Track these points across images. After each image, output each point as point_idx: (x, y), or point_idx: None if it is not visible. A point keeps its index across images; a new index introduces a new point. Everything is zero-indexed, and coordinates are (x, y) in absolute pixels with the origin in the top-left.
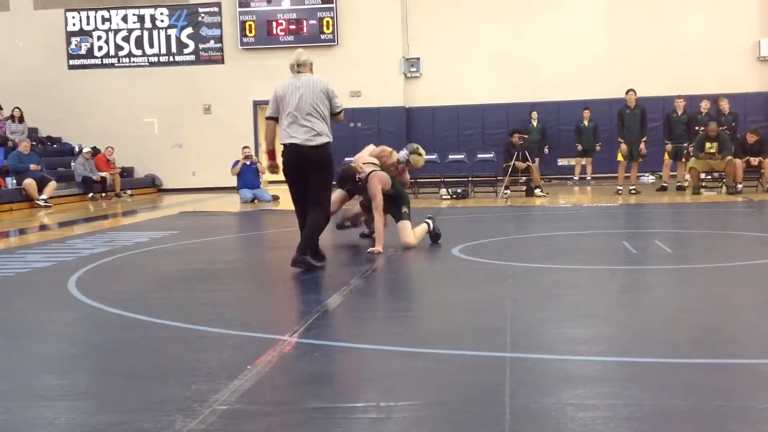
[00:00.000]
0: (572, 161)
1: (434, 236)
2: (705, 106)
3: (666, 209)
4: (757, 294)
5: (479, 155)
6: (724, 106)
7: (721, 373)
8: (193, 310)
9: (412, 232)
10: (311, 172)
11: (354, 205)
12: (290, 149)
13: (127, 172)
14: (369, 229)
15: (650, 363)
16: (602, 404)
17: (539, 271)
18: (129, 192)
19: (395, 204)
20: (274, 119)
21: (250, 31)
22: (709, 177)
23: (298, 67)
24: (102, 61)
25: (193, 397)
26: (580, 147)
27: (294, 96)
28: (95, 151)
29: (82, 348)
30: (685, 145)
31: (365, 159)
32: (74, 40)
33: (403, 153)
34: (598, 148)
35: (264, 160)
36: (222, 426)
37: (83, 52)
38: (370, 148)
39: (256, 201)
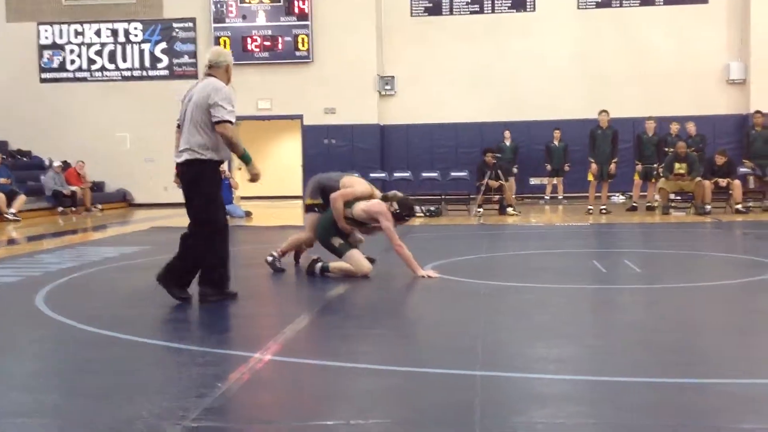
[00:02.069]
0: (544, 180)
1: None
2: (675, 128)
3: (636, 229)
4: (724, 314)
5: (452, 173)
6: (691, 128)
7: (688, 392)
8: (163, 326)
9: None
10: (186, 191)
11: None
12: None
13: (97, 187)
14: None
15: (619, 382)
16: (571, 423)
17: (511, 290)
18: (99, 206)
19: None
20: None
21: (225, 47)
22: (679, 197)
23: (208, 69)
24: (74, 74)
25: (162, 415)
26: (549, 167)
27: (184, 104)
28: (66, 165)
29: (49, 365)
30: (655, 165)
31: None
32: (46, 53)
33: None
34: (567, 168)
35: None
36: None
37: (55, 65)
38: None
39: (228, 217)
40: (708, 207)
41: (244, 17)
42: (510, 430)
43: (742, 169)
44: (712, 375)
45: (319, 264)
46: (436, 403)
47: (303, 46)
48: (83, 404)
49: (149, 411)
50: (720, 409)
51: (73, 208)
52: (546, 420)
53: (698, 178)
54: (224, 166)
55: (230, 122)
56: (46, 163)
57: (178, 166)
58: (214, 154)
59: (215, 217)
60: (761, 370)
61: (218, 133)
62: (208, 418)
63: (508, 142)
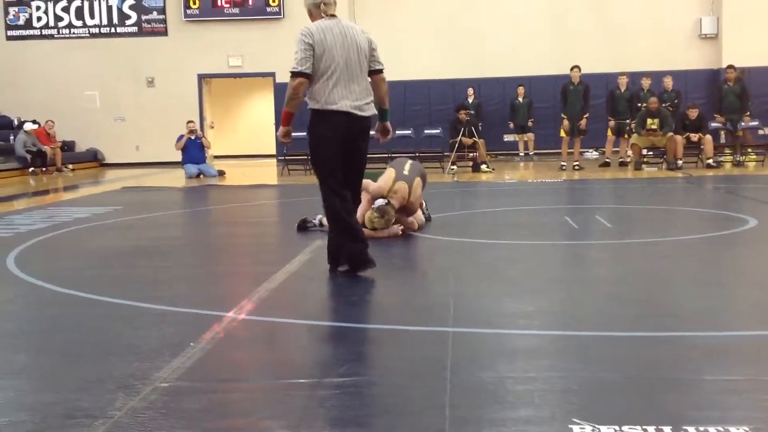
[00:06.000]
0: (515, 137)
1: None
2: (646, 83)
3: (608, 185)
4: (693, 268)
5: (426, 131)
6: (668, 83)
7: (655, 345)
8: (135, 287)
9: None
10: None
11: None
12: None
13: (68, 146)
14: None
15: (588, 336)
16: (540, 377)
17: (483, 247)
18: (70, 166)
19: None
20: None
21: (194, 3)
22: (651, 153)
23: (331, 9)
24: (41, 31)
25: (134, 374)
26: (512, 124)
27: (339, 48)
28: (35, 124)
29: (20, 325)
30: (627, 121)
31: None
32: (12, 10)
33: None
34: (530, 123)
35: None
36: (163, 403)
37: (22, 22)
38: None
39: (201, 176)
40: (680, 162)
41: None
42: (480, 385)
43: (714, 124)
44: (676, 328)
45: (319, 217)
46: (407, 360)
47: (274, 2)
48: (54, 364)
49: (121, 371)
50: (683, 361)
51: (44, 169)
52: (515, 374)
53: (670, 134)
54: (196, 125)
55: None
56: (15, 122)
57: (361, 120)
58: None
59: None
60: (722, 322)
61: (378, 84)
62: (180, 377)
63: (470, 99)
